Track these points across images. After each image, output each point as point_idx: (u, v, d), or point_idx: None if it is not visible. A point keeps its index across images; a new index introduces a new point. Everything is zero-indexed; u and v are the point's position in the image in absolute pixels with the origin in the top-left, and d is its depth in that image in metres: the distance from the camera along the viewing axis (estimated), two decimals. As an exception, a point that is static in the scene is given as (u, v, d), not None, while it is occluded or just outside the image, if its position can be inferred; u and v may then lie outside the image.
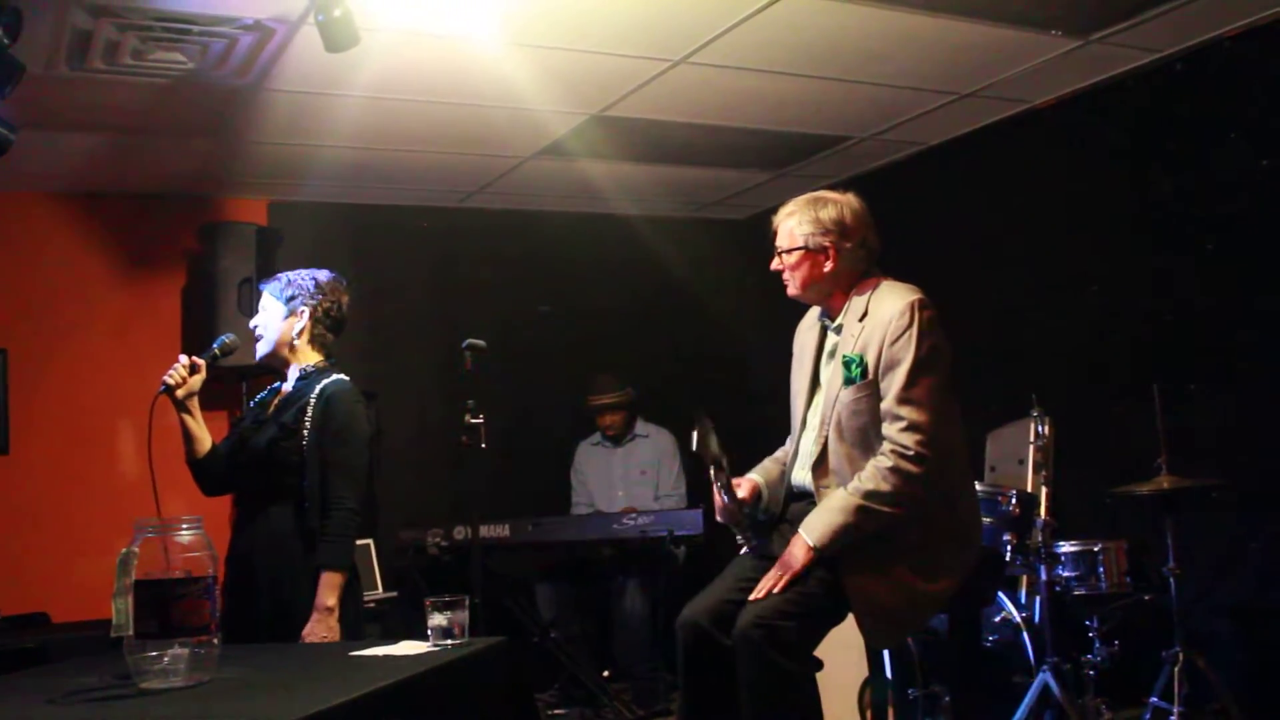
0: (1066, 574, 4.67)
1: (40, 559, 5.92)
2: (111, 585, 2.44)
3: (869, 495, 3.25)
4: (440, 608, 2.92)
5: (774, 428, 3.82)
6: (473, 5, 4.28)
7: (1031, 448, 5.00)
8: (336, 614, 3.64)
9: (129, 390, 6.36)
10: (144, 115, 5.20)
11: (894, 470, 3.23)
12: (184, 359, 3.87)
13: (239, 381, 6.20)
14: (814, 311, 3.66)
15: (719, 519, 3.57)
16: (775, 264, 3.56)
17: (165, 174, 6.16)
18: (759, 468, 3.70)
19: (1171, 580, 4.42)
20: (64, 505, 6.10)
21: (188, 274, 6.58)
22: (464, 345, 4.72)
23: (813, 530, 3.29)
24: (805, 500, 3.48)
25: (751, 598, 3.30)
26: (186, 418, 3.92)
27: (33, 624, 5.49)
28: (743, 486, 3.59)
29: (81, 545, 5.84)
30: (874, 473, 3.26)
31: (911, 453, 3.22)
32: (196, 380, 3.88)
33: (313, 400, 3.82)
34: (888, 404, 3.29)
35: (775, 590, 3.27)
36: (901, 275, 3.53)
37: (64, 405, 6.23)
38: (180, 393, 3.85)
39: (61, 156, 5.72)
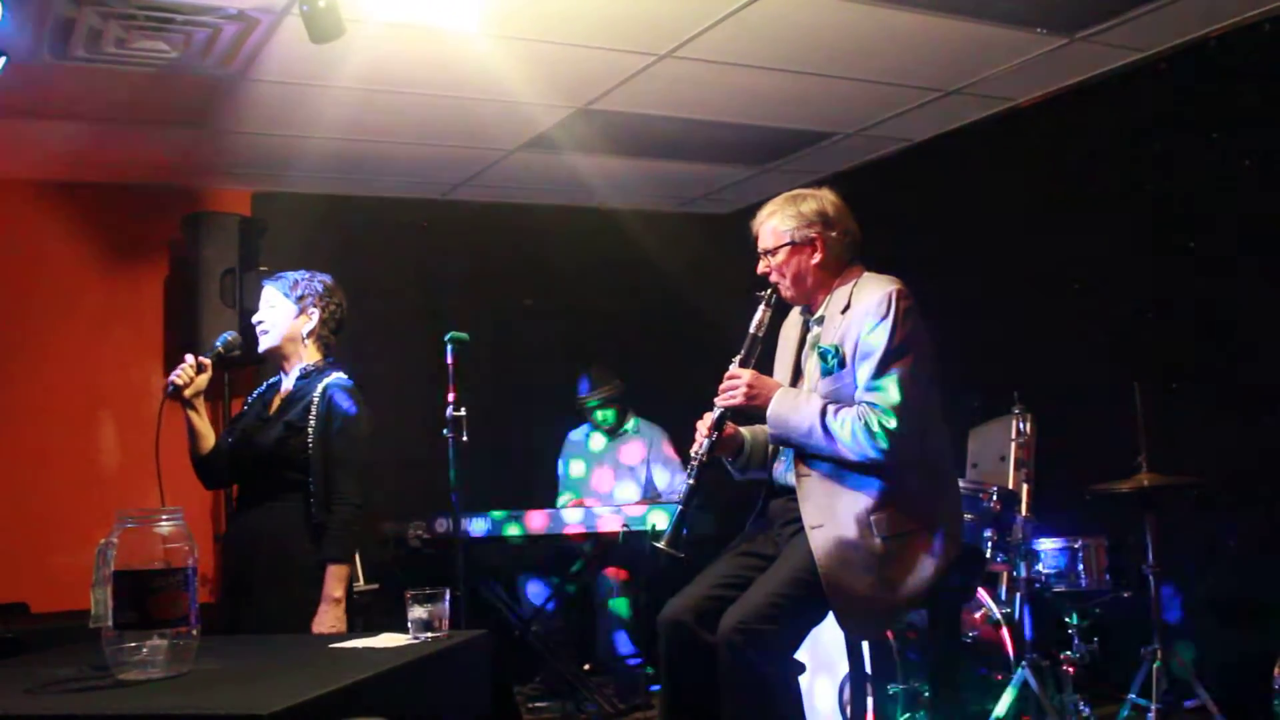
0: (1047, 571, 4.69)
1: (19, 549, 5.89)
2: (90, 576, 2.43)
3: (826, 426, 3.30)
4: (421, 600, 2.92)
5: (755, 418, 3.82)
6: (458, -3, 4.27)
7: (1013, 445, 5.01)
8: (344, 604, 3.74)
9: (110, 380, 6.36)
10: (127, 104, 5.18)
11: (858, 433, 3.25)
12: (190, 359, 3.97)
13: (223, 373, 6.19)
14: (797, 307, 3.68)
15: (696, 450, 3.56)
16: (762, 267, 3.56)
17: (148, 163, 6.14)
18: (750, 428, 3.70)
19: (1151, 577, 4.44)
20: (43, 495, 6.07)
21: (170, 264, 6.56)
22: (447, 338, 4.72)
23: (781, 401, 3.40)
24: (786, 496, 3.49)
25: (717, 400, 3.47)
26: (192, 415, 4.02)
27: (11, 614, 5.47)
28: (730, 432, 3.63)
29: (61, 535, 5.80)
30: (846, 418, 3.28)
31: (875, 429, 3.23)
32: (203, 379, 3.98)
33: (316, 398, 3.90)
34: (859, 392, 3.32)
35: (722, 391, 3.47)
36: (883, 271, 3.53)
37: (44, 394, 6.20)
38: (188, 392, 3.95)
39: (43, 145, 5.69)
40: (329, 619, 3.69)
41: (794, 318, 3.70)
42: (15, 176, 6.16)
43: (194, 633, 2.46)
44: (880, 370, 3.28)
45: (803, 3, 4.46)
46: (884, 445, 3.23)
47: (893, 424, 3.23)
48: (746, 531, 3.64)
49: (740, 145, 6.32)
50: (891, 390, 3.26)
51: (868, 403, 3.28)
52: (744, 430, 3.67)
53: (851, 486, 3.33)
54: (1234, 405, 4.84)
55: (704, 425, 3.55)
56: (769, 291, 3.55)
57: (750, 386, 3.44)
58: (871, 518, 3.29)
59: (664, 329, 7.47)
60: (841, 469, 3.34)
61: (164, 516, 2.48)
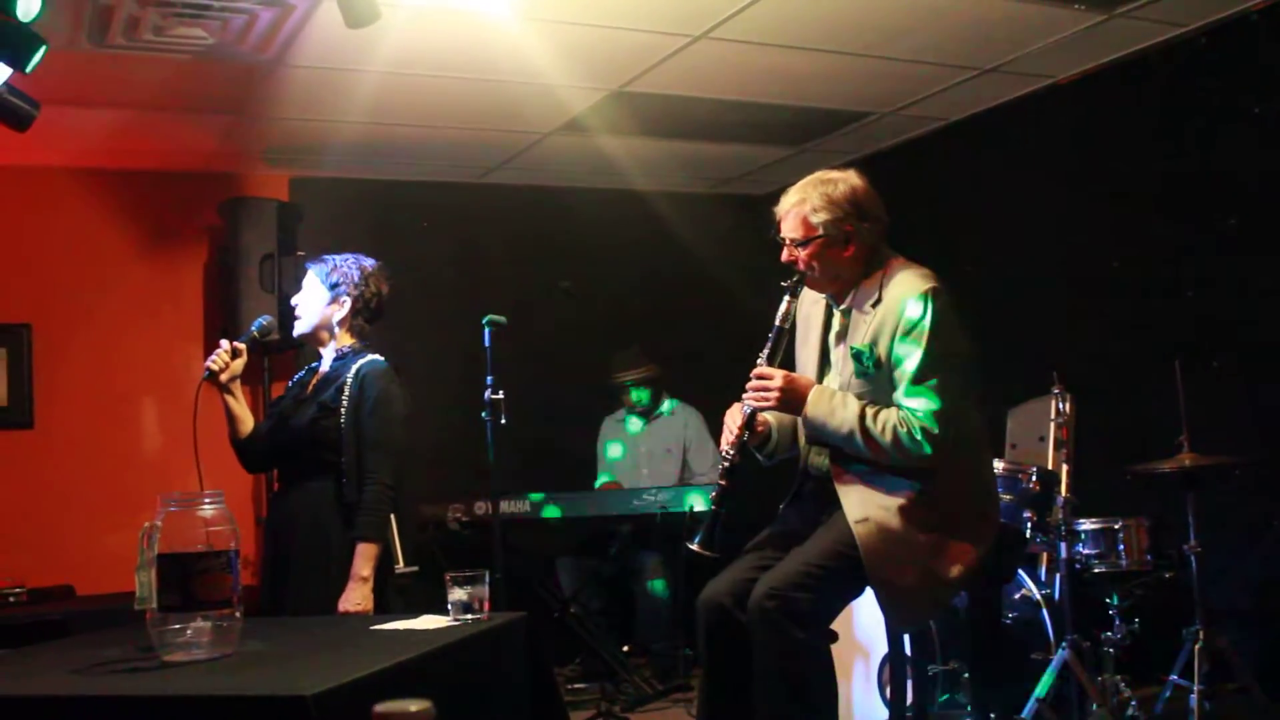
0: (1087, 551, 4.66)
1: (65, 532, 5.97)
2: (135, 558, 2.46)
3: (867, 431, 3.23)
4: (460, 582, 2.94)
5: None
6: (493, -20, 4.27)
7: (1052, 425, 4.98)
8: (371, 584, 3.76)
9: (153, 364, 6.42)
10: (165, 91, 5.21)
11: (900, 439, 3.21)
12: (225, 344, 4.03)
13: (262, 356, 6.24)
14: None
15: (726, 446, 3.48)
16: (787, 255, 3.43)
17: (187, 150, 6.18)
18: (775, 414, 3.59)
19: (1192, 558, 4.40)
20: (89, 479, 6.15)
21: (209, 249, 6.61)
22: (484, 320, 4.73)
23: (817, 404, 3.31)
24: (821, 480, 3.46)
25: (748, 387, 3.38)
26: (229, 399, 4.06)
27: (58, 596, 5.55)
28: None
29: (106, 518, 5.87)
30: (886, 423, 3.22)
31: (918, 436, 3.19)
32: (238, 364, 4.03)
33: (349, 379, 3.94)
34: (898, 395, 3.26)
35: (752, 390, 3.37)
36: (922, 251, 3.47)
37: (89, 380, 6.27)
38: (223, 377, 4.00)
39: (84, 132, 5.74)
40: (355, 597, 3.72)
41: (814, 295, 3.57)
42: (56, 164, 6.22)
43: (237, 614, 2.49)
44: (920, 375, 3.22)
45: (838, -19, 4.44)
46: (926, 451, 3.20)
47: (935, 430, 3.19)
48: (783, 514, 3.62)
49: (776, 126, 6.29)
50: (932, 395, 3.21)
51: (909, 409, 3.23)
52: (769, 417, 3.59)
53: (891, 480, 3.29)
54: (1276, 383, 4.78)
55: (733, 423, 3.46)
56: (794, 281, 3.44)
57: (783, 390, 3.34)
58: (913, 511, 3.25)
59: (700, 310, 7.45)
60: (880, 463, 3.30)
61: (207, 500, 2.51)
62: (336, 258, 4.12)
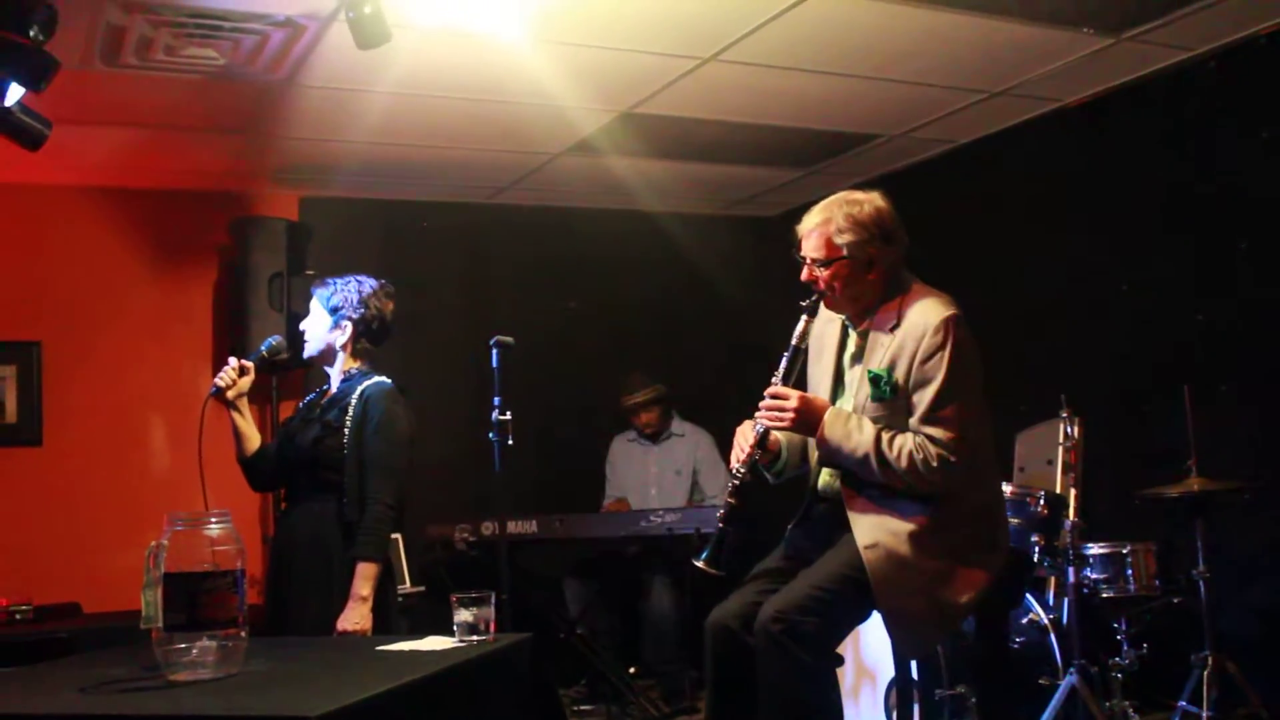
0: (1095, 576, 4.64)
1: (72, 550, 5.97)
2: (141, 576, 2.47)
3: (883, 456, 3.20)
4: (466, 604, 2.94)
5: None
6: (503, 2, 4.28)
7: (1060, 448, 4.96)
8: (370, 603, 3.77)
9: (162, 383, 6.43)
10: (176, 111, 5.24)
11: (916, 465, 3.19)
12: (233, 361, 4.07)
13: (270, 375, 6.25)
14: None
15: (736, 464, 3.45)
16: (807, 275, 3.39)
17: (197, 169, 6.20)
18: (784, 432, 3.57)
19: (1201, 583, 4.39)
20: (96, 497, 6.15)
21: (219, 268, 6.63)
22: (492, 341, 4.73)
23: (833, 427, 3.28)
24: (831, 502, 3.45)
25: (762, 406, 3.33)
26: (236, 417, 4.10)
27: (64, 614, 5.55)
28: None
29: (113, 536, 5.88)
30: (902, 449, 3.20)
31: (934, 464, 3.18)
32: (245, 382, 4.07)
33: (354, 400, 3.97)
34: (915, 422, 3.24)
35: (766, 409, 3.32)
36: (931, 275, 3.46)
37: (97, 398, 6.28)
38: (230, 394, 4.04)
39: (95, 151, 5.76)
40: (354, 616, 3.73)
41: (829, 314, 3.53)
42: (68, 183, 6.25)
43: (243, 634, 2.49)
44: (939, 403, 3.20)
45: (848, 5, 4.44)
46: (942, 478, 3.18)
47: (953, 458, 3.17)
48: (790, 536, 3.59)
49: (785, 148, 6.30)
50: (951, 424, 3.19)
51: (926, 436, 3.21)
52: (779, 435, 3.56)
53: (903, 505, 3.26)
54: (1286, 408, 4.78)
55: (744, 441, 3.43)
56: (812, 300, 3.41)
57: (798, 411, 3.30)
58: (924, 537, 3.23)
59: (709, 332, 7.46)
60: (892, 488, 3.28)
61: (213, 519, 2.51)
62: (338, 280, 4.13)
